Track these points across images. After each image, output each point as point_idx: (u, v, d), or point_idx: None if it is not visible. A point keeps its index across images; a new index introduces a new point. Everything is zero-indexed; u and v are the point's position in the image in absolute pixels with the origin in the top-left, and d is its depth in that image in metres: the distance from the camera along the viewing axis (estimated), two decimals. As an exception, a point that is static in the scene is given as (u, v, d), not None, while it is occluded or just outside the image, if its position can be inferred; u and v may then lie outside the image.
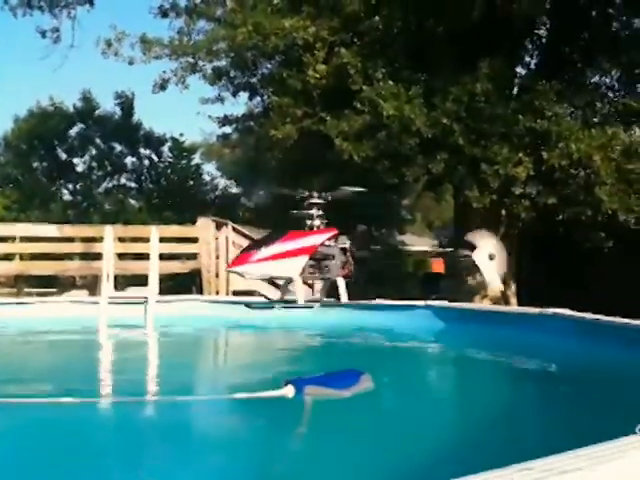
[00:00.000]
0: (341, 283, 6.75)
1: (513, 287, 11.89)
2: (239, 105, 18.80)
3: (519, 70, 11.92)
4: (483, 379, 4.88)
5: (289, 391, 3.42)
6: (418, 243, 26.79)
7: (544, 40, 12.11)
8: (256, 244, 6.69)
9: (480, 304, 10.79)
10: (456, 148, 9.76)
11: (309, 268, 6.42)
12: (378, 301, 8.03)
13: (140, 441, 3.14)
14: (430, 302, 7.86)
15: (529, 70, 12.05)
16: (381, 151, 10.00)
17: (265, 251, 6.21)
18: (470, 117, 9.75)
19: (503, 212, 11.23)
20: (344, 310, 8.03)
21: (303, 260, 6.27)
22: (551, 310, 5.98)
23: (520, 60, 11.94)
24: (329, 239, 6.61)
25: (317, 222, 6.64)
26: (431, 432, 3.16)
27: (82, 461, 2.72)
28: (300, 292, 6.47)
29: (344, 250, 6.75)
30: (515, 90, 11.13)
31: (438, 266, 23.82)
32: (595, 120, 10.66)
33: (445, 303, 7.87)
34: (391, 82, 9.73)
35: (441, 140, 9.75)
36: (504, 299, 11.54)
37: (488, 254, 7.31)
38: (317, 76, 10.10)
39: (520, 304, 11.24)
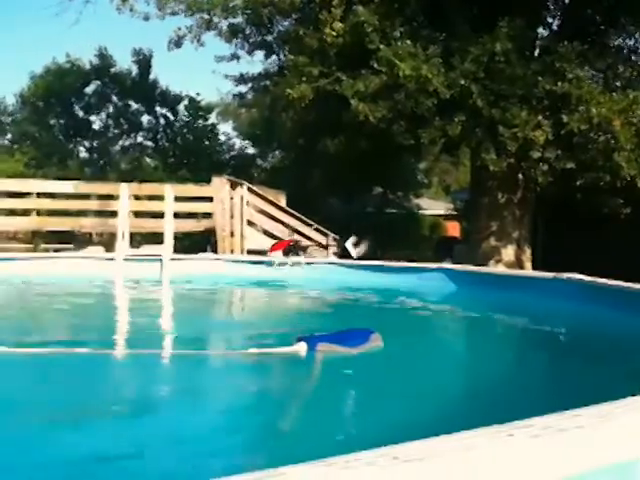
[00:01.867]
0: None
1: (528, 252, 11.85)
2: (255, 64, 18.63)
3: (540, 31, 11.66)
4: (492, 340, 4.91)
5: (301, 348, 3.47)
6: (434, 207, 26.72)
7: (567, 0, 11.80)
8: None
9: (494, 268, 10.78)
10: (474, 110, 9.62)
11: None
12: (391, 263, 8.07)
13: (152, 392, 3.22)
14: (444, 265, 7.88)
15: (551, 31, 11.77)
16: (397, 112, 9.88)
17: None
18: (489, 78, 9.58)
19: (520, 176, 11.12)
20: (358, 271, 8.09)
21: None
22: (565, 275, 5.97)
23: (542, 21, 11.65)
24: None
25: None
26: (437, 389, 3.20)
27: (97, 411, 2.79)
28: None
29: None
30: (536, 51, 10.90)
31: (453, 230, 23.78)
32: (617, 84, 10.44)
33: (458, 266, 7.89)
34: (409, 41, 9.56)
35: (459, 101, 9.61)
36: (518, 263, 11.51)
37: (352, 243, 11.60)
38: (334, 34, 9.92)
39: (535, 268, 11.21)
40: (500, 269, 10.63)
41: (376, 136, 11.36)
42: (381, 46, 9.54)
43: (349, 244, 11.56)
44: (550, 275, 6.22)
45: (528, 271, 10.67)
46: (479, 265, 9.89)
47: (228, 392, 3.23)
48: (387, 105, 9.70)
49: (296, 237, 11.71)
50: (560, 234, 12.90)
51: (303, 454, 1.21)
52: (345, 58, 10.34)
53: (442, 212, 25.69)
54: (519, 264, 11.51)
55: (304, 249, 11.23)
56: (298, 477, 1.10)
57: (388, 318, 5.66)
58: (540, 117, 9.51)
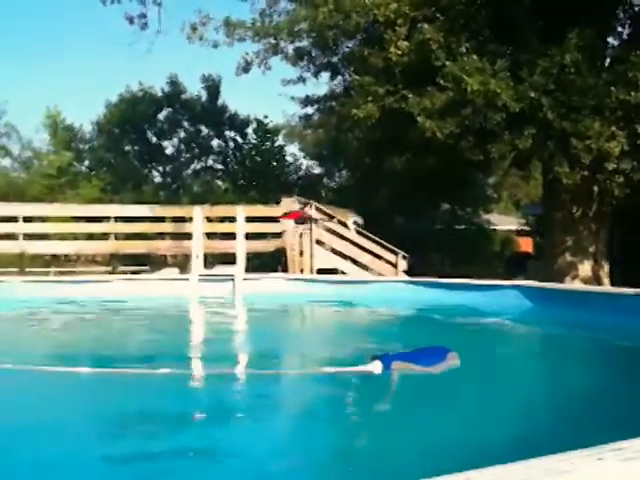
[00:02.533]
0: None
1: (606, 267, 11.44)
2: (320, 85, 18.83)
3: (610, 40, 11.33)
4: (573, 359, 4.76)
5: (376, 366, 3.47)
6: (504, 222, 26.19)
7: (637, 9, 11.44)
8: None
9: (571, 284, 10.46)
10: (545, 123, 9.43)
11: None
12: (463, 280, 7.96)
13: (230, 411, 3.29)
14: (518, 281, 7.72)
15: (621, 40, 11.42)
16: (465, 127, 9.79)
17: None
18: (559, 90, 9.38)
19: (595, 189, 10.79)
20: (429, 289, 8.02)
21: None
22: (647, 290, 5.75)
23: (611, 30, 11.33)
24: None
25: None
26: (517, 409, 3.14)
27: (177, 427, 2.88)
28: None
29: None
30: (607, 61, 10.61)
31: (526, 245, 23.22)
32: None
33: (533, 283, 7.71)
34: (475, 56, 9.48)
35: (529, 114, 9.44)
36: (596, 279, 11.12)
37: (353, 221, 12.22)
38: (399, 53, 9.96)
39: (613, 284, 10.81)
40: (577, 285, 10.31)
41: (444, 152, 11.28)
42: (447, 62, 9.50)
43: (351, 222, 12.26)
44: (631, 291, 6.00)
45: (607, 287, 10.30)
46: (555, 281, 9.62)
47: (305, 411, 3.26)
48: (454, 121, 9.64)
49: (307, 210, 12.07)
50: (638, 248, 12.41)
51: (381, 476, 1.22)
52: (410, 76, 10.35)
53: (513, 227, 25.15)
54: (597, 280, 11.12)
55: (315, 222, 11.96)
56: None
57: (462, 336, 5.59)
58: (614, 128, 9.22)
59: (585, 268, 11.22)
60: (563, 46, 9.21)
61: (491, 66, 9.36)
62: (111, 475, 2.32)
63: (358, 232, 12.48)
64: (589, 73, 9.35)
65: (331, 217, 12.47)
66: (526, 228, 23.37)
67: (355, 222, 12.19)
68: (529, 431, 2.75)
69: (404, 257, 12.46)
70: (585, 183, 10.15)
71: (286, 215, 11.01)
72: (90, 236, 13.41)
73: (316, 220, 11.90)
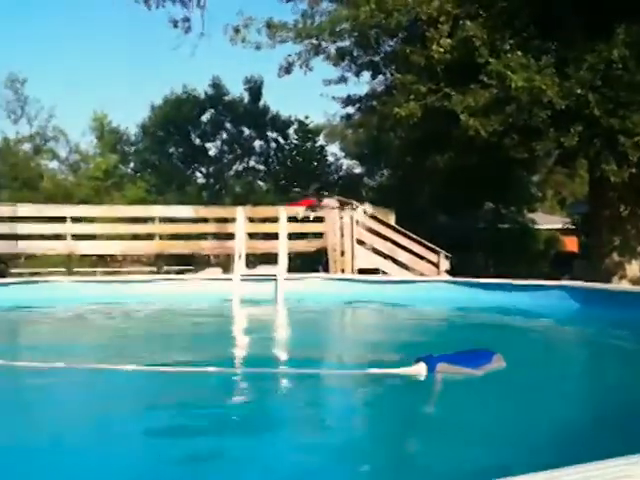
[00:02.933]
0: None
1: (655, 267, 11.15)
2: (362, 85, 18.77)
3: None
4: (623, 362, 4.65)
5: (421, 368, 3.45)
6: (549, 221, 25.70)
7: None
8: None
9: (618, 285, 10.22)
10: (591, 119, 9.23)
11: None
12: (508, 280, 7.85)
13: (273, 410, 3.32)
14: (563, 282, 7.58)
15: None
16: (509, 125, 9.66)
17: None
18: (606, 86, 9.18)
19: (644, 186, 10.53)
20: (473, 289, 7.94)
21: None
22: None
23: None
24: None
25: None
26: (566, 412, 3.08)
27: (221, 426, 2.93)
28: None
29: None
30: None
31: (571, 244, 22.75)
32: None
33: (579, 283, 7.56)
34: (519, 53, 9.35)
35: (575, 111, 9.26)
36: (645, 280, 10.85)
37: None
38: (441, 50, 9.89)
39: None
40: (625, 286, 10.06)
41: (487, 150, 11.15)
42: (491, 59, 9.40)
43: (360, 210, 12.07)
44: (683, 291, 5.82)
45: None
46: (601, 282, 9.41)
47: (350, 411, 3.27)
48: (498, 119, 9.52)
49: (322, 200, 12.30)
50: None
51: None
52: (453, 73, 10.26)
53: (558, 226, 24.66)
54: (646, 280, 10.85)
55: (320, 208, 12.20)
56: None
57: (506, 337, 5.51)
58: (664, 124, 8.99)
59: (633, 268, 10.96)
60: (610, 42, 9.01)
61: (536, 62, 9.22)
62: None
63: (398, 230, 12.40)
64: (637, 69, 9.13)
65: (373, 217, 12.43)
66: (571, 227, 22.89)
67: (365, 211, 12.11)
68: (578, 435, 2.71)
69: (446, 257, 12.34)
70: (633, 181, 9.91)
71: (299, 203, 11.17)
72: (135, 237, 13.66)
73: (321, 207, 12.16)
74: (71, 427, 2.88)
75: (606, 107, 9.17)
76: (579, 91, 9.08)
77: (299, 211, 11.03)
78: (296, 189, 22.23)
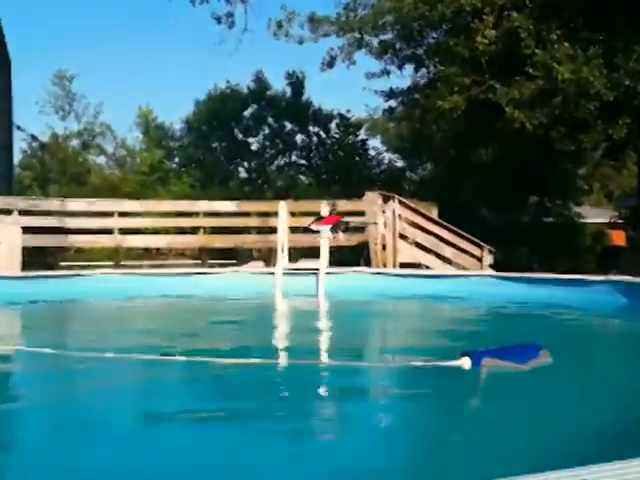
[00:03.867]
0: None
1: None
2: (404, 78, 18.68)
3: None
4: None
5: (465, 362, 3.44)
6: (596, 215, 25.14)
7: None
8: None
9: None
10: (641, 111, 9.03)
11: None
12: (554, 275, 7.73)
13: (316, 402, 3.36)
14: (611, 277, 7.44)
15: None
16: (556, 117, 9.52)
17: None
18: (657, 76, 8.95)
19: (696, 179, 10.23)
20: (516, 284, 7.85)
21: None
22: None
23: None
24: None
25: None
26: (615, 411, 3.04)
27: (261, 418, 2.98)
28: None
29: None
30: None
31: (619, 239, 22.22)
32: None
33: (627, 278, 7.40)
34: (567, 44, 9.19)
35: (623, 103, 9.07)
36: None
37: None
38: (486, 42, 9.78)
39: None
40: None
41: (533, 143, 10.99)
42: (537, 51, 9.26)
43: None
44: None
45: None
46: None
47: (396, 403, 3.29)
48: (544, 111, 9.39)
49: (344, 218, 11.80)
50: None
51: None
52: (498, 65, 10.15)
53: (605, 220, 24.10)
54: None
55: (347, 224, 11.54)
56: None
57: (552, 333, 5.44)
58: None
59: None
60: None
61: (583, 53, 9.05)
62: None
63: (440, 224, 12.29)
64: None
65: (415, 211, 12.35)
66: (619, 221, 22.35)
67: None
68: (622, 434, 2.67)
69: (490, 251, 12.20)
70: (685, 174, 9.65)
71: (323, 221, 10.35)
72: (180, 230, 13.87)
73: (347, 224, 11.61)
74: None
75: (657, 98, 8.95)
76: (627, 82, 8.89)
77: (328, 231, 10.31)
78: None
